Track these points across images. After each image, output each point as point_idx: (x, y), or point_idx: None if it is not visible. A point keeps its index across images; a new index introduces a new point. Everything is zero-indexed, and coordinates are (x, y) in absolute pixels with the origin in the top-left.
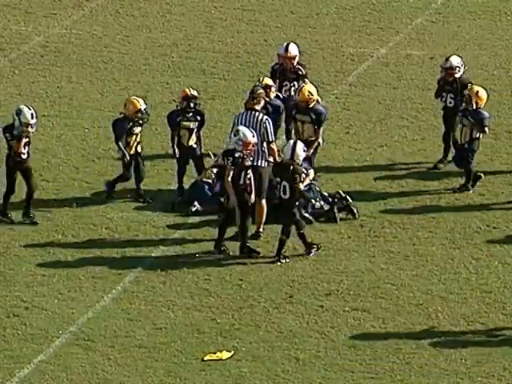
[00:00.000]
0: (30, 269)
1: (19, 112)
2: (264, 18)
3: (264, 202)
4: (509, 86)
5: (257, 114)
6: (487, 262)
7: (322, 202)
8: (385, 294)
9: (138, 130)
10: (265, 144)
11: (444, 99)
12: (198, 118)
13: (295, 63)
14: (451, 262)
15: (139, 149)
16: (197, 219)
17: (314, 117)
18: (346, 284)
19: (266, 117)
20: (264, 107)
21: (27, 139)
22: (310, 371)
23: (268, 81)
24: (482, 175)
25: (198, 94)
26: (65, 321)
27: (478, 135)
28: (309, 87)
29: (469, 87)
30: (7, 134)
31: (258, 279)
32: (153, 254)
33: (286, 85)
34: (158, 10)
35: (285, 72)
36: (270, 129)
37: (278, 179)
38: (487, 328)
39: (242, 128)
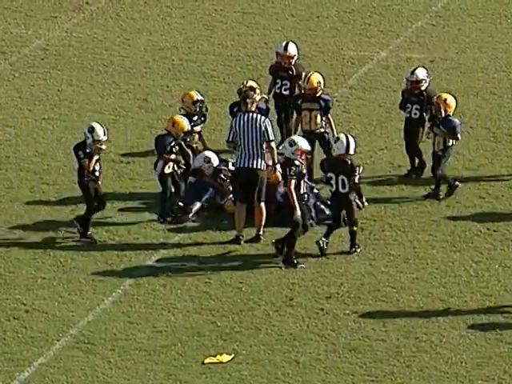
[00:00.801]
0: (31, 272)
1: (91, 129)
2: (264, 21)
3: (263, 205)
4: (509, 89)
5: (254, 115)
6: (487, 265)
7: (323, 207)
8: (385, 297)
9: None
10: (262, 149)
11: (409, 110)
12: (203, 119)
13: (293, 62)
14: (451, 265)
15: (176, 168)
16: (197, 223)
17: (323, 104)
18: (347, 287)
19: (263, 117)
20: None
21: (98, 156)
22: (311, 374)
23: (252, 83)
24: (459, 184)
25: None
26: (65, 324)
27: (451, 143)
28: (317, 76)
29: (437, 95)
30: (80, 152)
31: (258, 282)
32: (153, 257)
33: (278, 83)
34: (158, 13)
35: (278, 70)
36: (270, 128)
37: (331, 174)
38: (487, 331)
39: (296, 138)
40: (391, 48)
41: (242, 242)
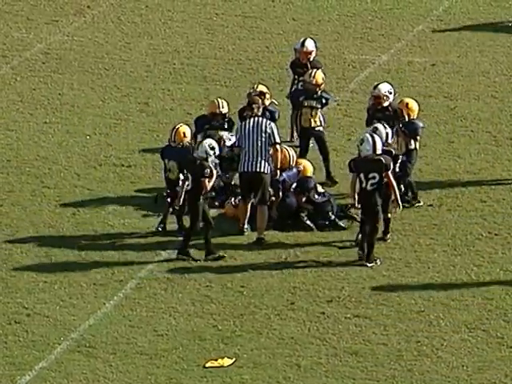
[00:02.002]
0: (32, 275)
1: (213, 147)
2: (265, 24)
3: (266, 207)
4: (510, 93)
5: (260, 119)
6: (489, 268)
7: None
8: (386, 301)
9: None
10: (267, 152)
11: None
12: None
13: (311, 58)
14: (452, 269)
15: None
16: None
17: (323, 102)
18: (348, 291)
19: (269, 121)
20: (262, 114)
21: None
22: (312, 378)
23: (262, 88)
24: (421, 203)
25: (197, 100)
26: (66, 327)
27: (414, 146)
28: (321, 73)
29: (399, 100)
30: (206, 171)
31: (259, 286)
32: (154, 261)
33: (296, 78)
34: (159, 17)
35: (296, 66)
36: (276, 131)
37: (362, 174)
38: (489, 335)
39: (364, 135)
40: (392, 52)
41: (245, 233)
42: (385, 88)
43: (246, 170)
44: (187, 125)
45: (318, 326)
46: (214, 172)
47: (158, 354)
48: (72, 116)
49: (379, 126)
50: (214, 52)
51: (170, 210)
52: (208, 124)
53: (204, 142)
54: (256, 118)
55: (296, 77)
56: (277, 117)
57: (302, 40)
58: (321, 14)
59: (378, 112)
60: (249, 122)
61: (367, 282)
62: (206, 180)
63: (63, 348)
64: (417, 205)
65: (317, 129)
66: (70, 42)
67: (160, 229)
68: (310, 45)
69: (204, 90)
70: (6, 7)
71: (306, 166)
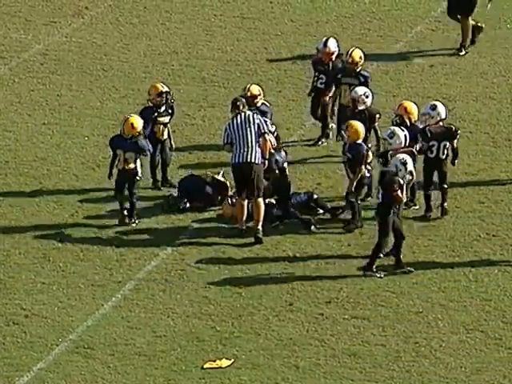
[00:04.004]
0: (30, 277)
1: (405, 162)
2: (264, 25)
3: (261, 200)
4: (508, 94)
5: (246, 113)
6: (487, 269)
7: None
8: (384, 302)
9: (165, 119)
10: (257, 144)
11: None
12: (170, 111)
13: (333, 58)
14: (451, 270)
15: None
16: (197, 226)
17: (362, 80)
18: (346, 292)
19: (255, 113)
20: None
21: None
22: (310, 379)
23: (254, 90)
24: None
25: (196, 101)
26: (64, 329)
27: (416, 149)
28: (359, 51)
29: (397, 104)
30: (395, 186)
31: (257, 287)
32: (152, 262)
33: (316, 76)
34: (157, 18)
35: (318, 64)
36: (262, 120)
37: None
38: (487, 336)
39: (394, 129)
40: (391, 53)
41: (243, 233)
42: (360, 91)
43: (237, 161)
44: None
45: (316, 327)
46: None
47: (156, 355)
48: (70, 117)
49: (396, 129)
50: (213, 53)
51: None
52: (156, 113)
53: (397, 155)
54: (242, 114)
55: (317, 74)
56: (269, 116)
57: (324, 40)
58: (319, 16)
59: (354, 115)
60: (236, 118)
61: (365, 283)
62: (398, 192)
63: (61, 349)
64: (413, 208)
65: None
66: (68, 43)
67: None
68: (332, 45)
69: (202, 91)
70: (4, 8)
71: (357, 127)
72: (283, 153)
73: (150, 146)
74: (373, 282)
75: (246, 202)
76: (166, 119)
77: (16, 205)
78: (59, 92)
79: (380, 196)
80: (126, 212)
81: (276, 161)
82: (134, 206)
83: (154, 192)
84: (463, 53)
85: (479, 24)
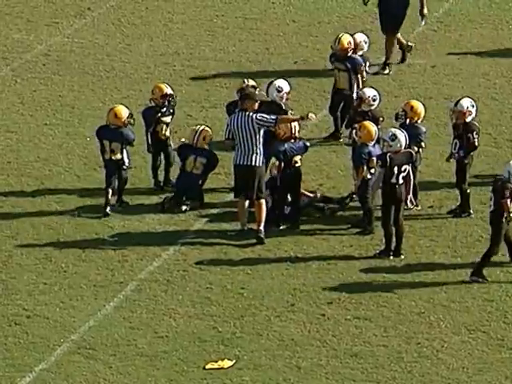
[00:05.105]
0: (32, 277)
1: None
2: (266, 26)
3: (263, 201)
4: (510, 95)
5: (247, 113)
6: (489, 270)
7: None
8: (386, 303)
9: (167, 119)
10: (259, 145)
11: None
12: (172, 111)
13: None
14: (453, 271)
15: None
16: (199, 227)
17: (348, 65)
18: (348, 293)
19: (253, 114)
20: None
21: None
22: (312, 380)
23: (252, 82)
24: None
25: (198, 102)
26: (66, 329)
27: (416, 150)
28: (348, 36)
29: (405, 102)
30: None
31: (259, 288)
32: (154, 263)
33: (336, 74)
34: (159, 18)
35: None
36: (265, 117)
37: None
38: (489, 336)
39: (395, 131)
40: (392, 54)
41: (245, 231)
42: (369, 93)
43: (239, 162)
44: (125, 106)
45: (318, 328)
46: None
47: (158, 356)
48: (72, 118)
49: (397, 132)
50: (215, 54)
51: (110, 191)
52: (160, 112)
53: (510, 162)
54: (244, 112)
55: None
56: None
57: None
58: (321, 16)
59: (359, 115)
60: (237, 116)
61: (367, 283)
62: (507, 200)
63: (63, 350)
64: (415, 208)
65: (344, 92)
66: (70, 44)
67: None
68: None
69: (204, 91)
70: (6, 9)
71: (370, 129)
72: (301, 144)
73: (134, 135)
74: (375, 283)
75: (246, 202)
76: (168, 119)
77: (18, 205)
78: (61, 92)
79: (492, 203)
80: (108, 209)
81: (285, 151)
82: (121, 191)
83: (156, 193)
84: (387, 71)
85: (409, 43)
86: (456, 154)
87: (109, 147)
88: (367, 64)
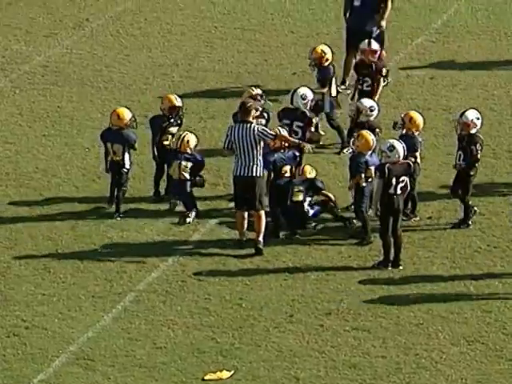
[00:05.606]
0: (30, 288)
1: None
2: (264, 37)
3: (263, 213)
4: (509, 106)
5: (248, 124)
6: (487, 281)
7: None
8: (385, 314)
9: (174, 129)
10: (260, 156)
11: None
12: (179, 122)
13: (376, 57)
14: (451, 282)
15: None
16: (197, 237)
17: (318, 76)
18: (347, 303)
19: (255, 125)
20: (261, 115)
21: None
22: None
23: (258, 90)
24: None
25: (196, 113)
26: (65, 340)
27: (413, 160)
28: (323, 46)
29: (404, 113)
30: None
31: (258, 298)
32: (153, 274)
33: (360, 79)
34: (158, 29)
35: (360, 67)
36: (266, 130)
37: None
38: (488, 348)
39: (393, 142)
40: (391, 64)
41: (244, 242)
42: (367, 103)
43: (239, 174)
44: (127, 108)
45: (316, 339)
46: None
47: (156, 367)
48: (71, 129)
49: (396, 143)
50: (213, 65)
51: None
52: (167, 122)
53: None
54: (244, 124)
55: (361, 77)
56: (269, 117)
57: (367, 41)
58: (319, 27)
59: (355, 126)
60: (237, 127)
61: (366, 294)
62: None
63: (62, 361)
64: (413, 219)
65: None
66: (69, 55)
67: (119, 216)
68: (374, 43)
69: (203, 102)
70: (5, 20)
71: (368, 138)
72: (290, 154)
73: (136, 136)
74: (373, 294)
75: (246, 214)
76: (174, 130)
77: (16, 216)
78: (60, 104)
79: None
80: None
81: (274, 161)
82: (119, 200)
83: (155, 203)
84: (344, 87)
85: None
86: (458, 165)
87: (111, 149)
88: (383, 71)
